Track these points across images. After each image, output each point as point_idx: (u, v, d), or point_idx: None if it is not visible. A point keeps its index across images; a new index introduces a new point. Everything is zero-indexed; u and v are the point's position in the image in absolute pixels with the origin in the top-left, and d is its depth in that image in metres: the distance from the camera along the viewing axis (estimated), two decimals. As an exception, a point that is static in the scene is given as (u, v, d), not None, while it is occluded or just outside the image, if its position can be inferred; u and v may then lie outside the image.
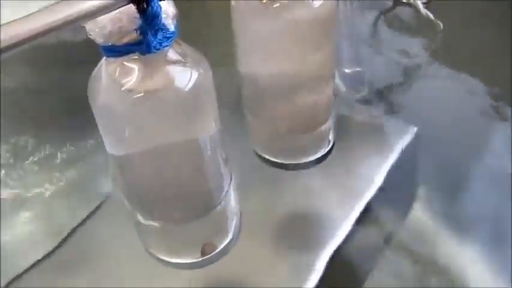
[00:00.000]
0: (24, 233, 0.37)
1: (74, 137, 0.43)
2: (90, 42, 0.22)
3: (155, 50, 0.22)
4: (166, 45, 0.23)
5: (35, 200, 0.39)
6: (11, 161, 0.42)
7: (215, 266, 0.31)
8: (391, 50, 0.51)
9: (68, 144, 0.43)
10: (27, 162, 0.42)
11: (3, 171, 0.41)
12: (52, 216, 0.38)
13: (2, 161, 0.41)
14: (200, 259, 0.31)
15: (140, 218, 0.30)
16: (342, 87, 0.45)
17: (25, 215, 0.38)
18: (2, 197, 0.39)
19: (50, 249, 0.36)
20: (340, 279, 0.35)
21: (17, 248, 0.36)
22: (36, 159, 0.42)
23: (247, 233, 0.33)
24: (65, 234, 0.36)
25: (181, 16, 0.24)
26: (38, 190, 0.40)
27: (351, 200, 0.36)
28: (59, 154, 0.42)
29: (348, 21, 0.51)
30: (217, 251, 0.31)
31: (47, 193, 0.40)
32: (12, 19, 0.17)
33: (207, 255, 0.31)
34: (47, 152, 0.42)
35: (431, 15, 0.52)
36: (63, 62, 0.48)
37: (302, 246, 0.34)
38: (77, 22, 0.18)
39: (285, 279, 0.33)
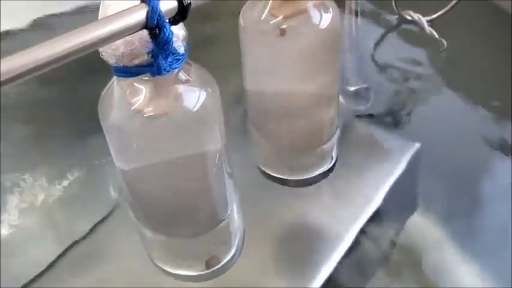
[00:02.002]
0: (29, 242, 0.37)
1: (81, 146, 0.43)
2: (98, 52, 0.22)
3: (165, 72, 0.23)
4: (176, 67, 0.23)
5: (39, 209, 0.39)
6: (17, 171, 0.42)
7: (218, 279, 0.32)
8: (395, 67, 0.51)
9: (74, 154, 0.43)
10: (33, 172, 0.42)
11: (9, 181, 0.41)
12: (57, 226, 0.39)
13: (8, 170, 0.42)
14: (204, 272, 0.31)
15: (145, 230, 0.30)
16: (344, 104, 0.45)
17: (30, 225, 0.38)
18: (7, 207, 0.39)
19: (53, 258, 0.36)
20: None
21: (21, 257, 0.37)
22: (41, 168, 0.42)
23: (249, 247, 0.34)
24: (69, 244, 0.36)
25: (190, 35, 0.24)
26: (42, 200, 0.40)
27: (351, 217, 0.37)
28: (65, 162, 0.42)
29: (353, 39, 0.51)
30: (221, 264, 0.32)
31: (52, 203, 0.40)
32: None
33: (212, 268, 0.31)
34: (53, 161, 0.42)
35: (435, 34, 0.53)
36: (71, 71, 0.48)
37: (301, 264, 0.35)
38: (92, 48, 0.19)
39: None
